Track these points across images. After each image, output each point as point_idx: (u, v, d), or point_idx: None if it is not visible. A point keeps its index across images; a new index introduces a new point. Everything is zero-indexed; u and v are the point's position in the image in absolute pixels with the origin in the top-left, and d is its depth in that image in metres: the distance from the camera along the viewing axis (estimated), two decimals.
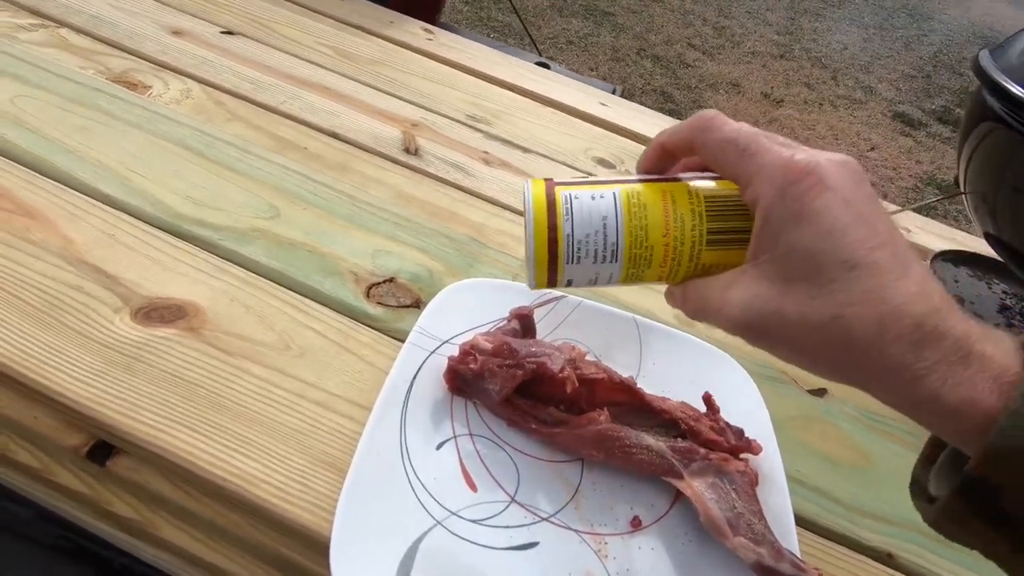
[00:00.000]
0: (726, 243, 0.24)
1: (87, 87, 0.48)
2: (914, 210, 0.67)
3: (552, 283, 0.25)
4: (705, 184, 0.25)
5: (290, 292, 0.37)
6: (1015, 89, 0.43)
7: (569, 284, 0.25)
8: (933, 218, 0.78)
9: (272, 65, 0.60)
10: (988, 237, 0.51)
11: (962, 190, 0.52)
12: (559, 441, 0.31)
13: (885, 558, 0.33)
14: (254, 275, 0.37)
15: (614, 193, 0.24)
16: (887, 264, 0.20)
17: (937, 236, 0.68)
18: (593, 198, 0.24)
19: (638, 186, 0.25)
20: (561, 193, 0.24)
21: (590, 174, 0.60)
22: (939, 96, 2.79)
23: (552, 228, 0.24)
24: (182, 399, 0.30)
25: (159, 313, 0.33)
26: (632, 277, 0.25)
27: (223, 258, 0.38)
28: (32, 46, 0.51)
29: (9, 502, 0.32)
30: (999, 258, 0.52)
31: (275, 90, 0.56)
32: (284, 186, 0.45)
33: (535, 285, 0.25)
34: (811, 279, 0.21)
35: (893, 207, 0.66)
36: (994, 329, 0.21)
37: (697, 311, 0.25)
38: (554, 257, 0.24)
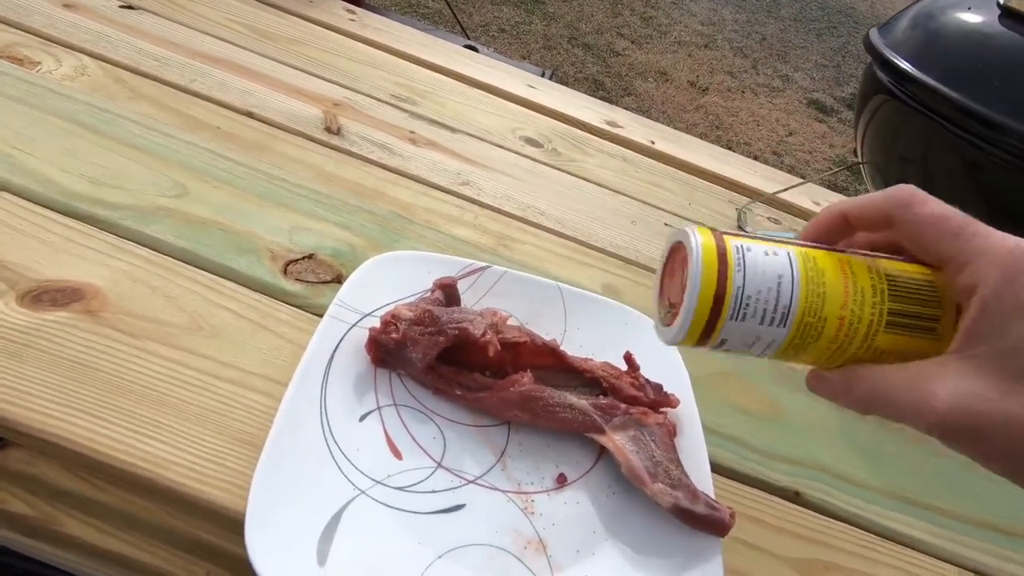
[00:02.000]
0: (907, 328, 0.22)
1: None
2: (816, 181, 0.71)
3: (703, 340, 0.22)
4: (884, 262, 0.23)
5: (201, 271, 0.35)
6: (902, 63, 0.47)
7: (721, 345, 0.22)
8: (843, 193, 0.84)
9: (178, 42, 0.57)
10: None
11: (860, 160, 0.56)
12: (484, 405, 0.31)
13: (793, 496, 0.36)
14: (160, 255, 0.35)
15: (788, 253, 0.22)
16: None
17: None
18: (767, 253, 0.22)
19: (812, 250, 0.22)
20: (732, 242, 0.22)
21: (518, 154, 0.61)
22: (848, 84, 2.99)
23: (722, 277, 0.21)
24: (80, 384, 0.28)
25: (50, 296, 0.31)
26: (793, 349, 0.22)
27: (124, 238, 0.35)
28: None
29: None
30: None
31: (183, 68, 0.53)
32: (192, 164, 0.42)
33: (682, 341, 0.22)
34: None
35: (798, 179, 0.70)
36: None
37: (872, 402, 0.22)
38: (717, 311, 0.21)
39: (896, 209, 0.22)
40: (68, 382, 0.28)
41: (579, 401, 0.31)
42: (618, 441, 0.30)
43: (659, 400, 0.33)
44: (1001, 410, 0.19)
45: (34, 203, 0.35)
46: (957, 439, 0.20)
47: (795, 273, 0.22)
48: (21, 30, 0.51)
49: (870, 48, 0.49)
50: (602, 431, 0.31)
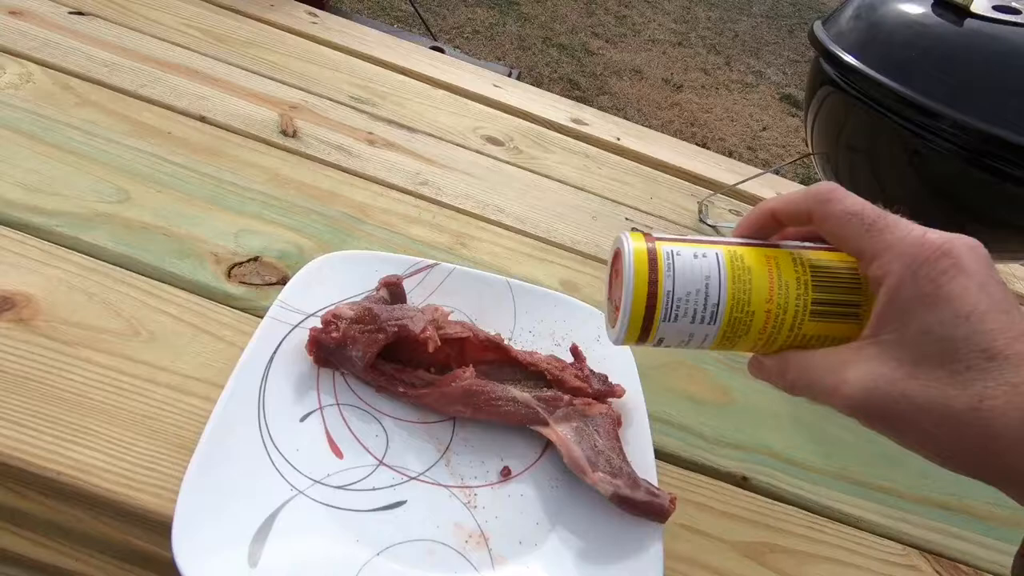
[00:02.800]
0: (831, 316, 0.23)
1: None
2: (773, 172, 0.72)
3: (643, 340, 0.24)
4: (809, 253, 0.24)
5: (140, 277, 0.35)
6: (844, 55, 0.47)
7: (659, 343, 0.24)
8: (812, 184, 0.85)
9: (130, 47, 0.56)
10: None
11: (811, 152, 0.56)
12: (427, 402, 0.31)
13: (740, 481, 0.36)
14: (98, 261, 0.35)
15: (717, 253, 0.23)
16: None
17: None
18: (696, 256, 0.23)
19: (741, 248, 0.24)
20: (663, 248, 0.23)
21: (479, 152, 0.61)
22: None
23: (652, 283, 0.23)
24: (6, 394, 0.27)
25: None
26: (727, 341, 0.24)
27: (60, 245, 0.35)
28: None
29: None
30: None
31: (134, 73, 0.53)
32: (136, 169, 0.42)
33: (623, 341, 0.24)
34: (945, 365, 0.20)
35: (756, 170, 0.71)
36: None
37: (799, 385, 0.23)
38: (651, 314, 0.23)
39: (815, 206, 0.23)
40: None
41: (522, 394, 0.31)
42: (561, 432, 0.30)
43: (604, 391, 0.33)
44: (903, 392, 0.20)
45: None
46: (868, 419, 0.21)
47: (722, 273, 0.23)
48: None
49: (814, 41, 0.50)
50: (545, 423, 0.31)
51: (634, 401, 0.35)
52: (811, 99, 0.53)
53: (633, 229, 0.24)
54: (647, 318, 0.23)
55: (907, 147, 0.45)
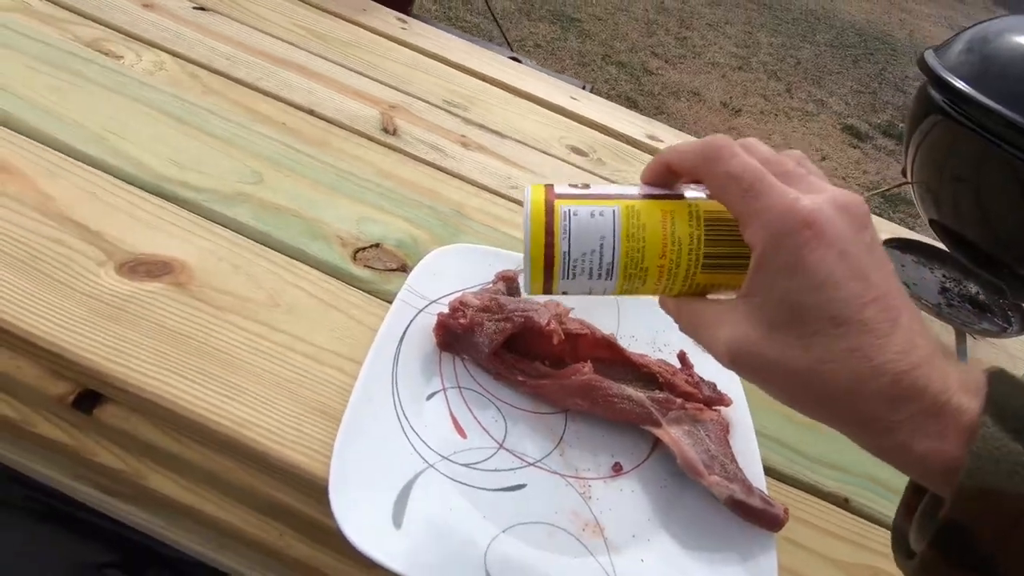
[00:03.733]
0: (723, 268, 0.24)
1: (58, 49, 0.47)
2: (869, 197, 0.71)
3: (547, 292, 0.25)
4: (706, 205, 0.24)
5: (277, 253, 0.37)
6: (957, 83, 0.47)
7: (564, 294, 0.25)
8: (881, 216, 0.84)
9: (246, 42, 0.60)
10: (933, 224, 0.55)
11: (909, 180, 0.56)
12: (545, 392, 0.32)
13: (843, 503, 0.36)
14: (241, 236, 0.37)
15: (614, 211, 0.24)
16: (875, 321, 0.20)
17: (883, 232, 0.73)
18: (592, 215, 0.24)
19: (639, 203, 0.24)
20: (560, 208, 0.24)
21: (564, 161, 0.62)
22: (884, 111, 2.96)
23: (549, 245, 0.23)
24: (171, 348, 0.30)
25: (145, 268, 0.33)
26: (626, 292, 0.25)
27: (209, 219, 0.37)
28: None
29: None
30: (941, 246, 0.56)
31: (251, 66, 0.56)
32: (267, 154, 0.45)
33: (530, 292, 0.25)
34: (795, 329, 0.21)
35: None
36: (975, 374, 0.21)
37: (690, 333, 0.25)
38: (550, 270, 0.24)
39: (701, 164, 0.23)
40: (160, 345, 0.30)
41: (637, 394, 0.32)
42: (673, 434, 0.31)
43: (713, 398, 0.34)
44: (759, 352, 0.22)
45: (127, 182, 0.38)
46: (737, 371, 0.23)
47: (616, 232, 0.24)
48: (105, 26, 0.54)
49: (925, 68, 0.50)
50: (658, 424, 0.32)
51: (739, 412, 0.35)
52: (915, 128, 0.52)
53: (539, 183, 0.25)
54: (547, 276, 0.24)
55: (1019, 177, 0.44)
